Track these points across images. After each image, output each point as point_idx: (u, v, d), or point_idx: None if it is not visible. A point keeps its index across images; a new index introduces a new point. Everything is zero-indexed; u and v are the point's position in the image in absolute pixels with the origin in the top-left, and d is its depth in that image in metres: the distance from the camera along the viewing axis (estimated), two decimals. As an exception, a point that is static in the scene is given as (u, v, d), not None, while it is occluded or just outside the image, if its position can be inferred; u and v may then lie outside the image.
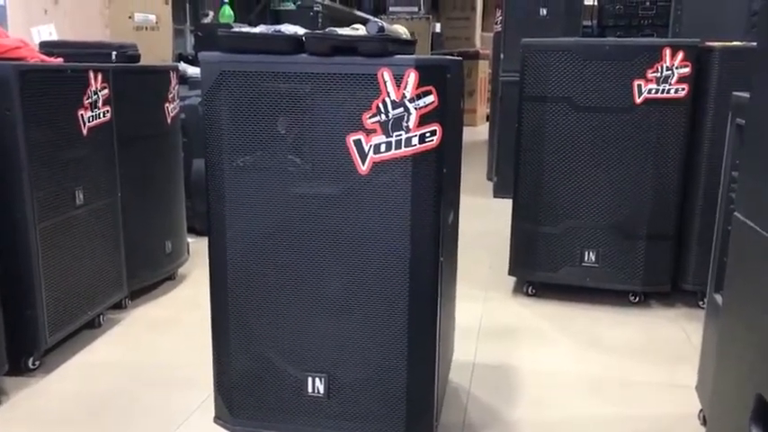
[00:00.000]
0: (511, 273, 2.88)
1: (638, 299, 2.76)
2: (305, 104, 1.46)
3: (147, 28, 3.82)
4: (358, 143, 1.46)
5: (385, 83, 1.41)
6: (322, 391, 1.60)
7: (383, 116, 1.43)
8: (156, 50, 3.80)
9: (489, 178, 5.20)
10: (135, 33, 3.70)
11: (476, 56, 8.87)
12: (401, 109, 1.42)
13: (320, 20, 5.51)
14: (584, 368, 2.25)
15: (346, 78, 1.43)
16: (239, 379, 1.64)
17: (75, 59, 2.40)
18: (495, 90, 4.98)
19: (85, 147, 2.29)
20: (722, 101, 2.46)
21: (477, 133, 7.99)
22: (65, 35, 3.27)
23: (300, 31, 1.49)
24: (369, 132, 1.44)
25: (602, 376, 2.19)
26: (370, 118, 1.44)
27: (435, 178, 1.48)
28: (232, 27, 4.44)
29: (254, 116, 1.49)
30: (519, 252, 2.82)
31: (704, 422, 1.87)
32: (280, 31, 1.48)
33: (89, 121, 2.30)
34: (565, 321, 2.62)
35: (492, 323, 2.61)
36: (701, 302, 2.70)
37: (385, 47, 1.41)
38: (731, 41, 2.58)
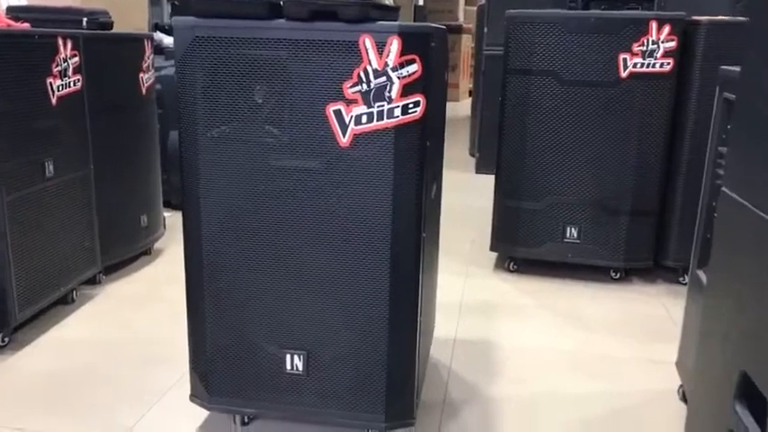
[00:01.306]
0: (493, 248, 2.86)
1: (619, 275, 2.75)
2: (282, 72, 1.40)
3: (120, -5, 3.70)
4: (338, 114, 1.40)
5: (366, 50, 1.35)
6: (301, 368, 1.56)
7: (364, 86, 1.38)
8: (131, 19, 3.69)
9: (472, 154, 5.16)
10: (109, 0, 3.58)
11: (459, 30, 8.77)
12: (383, 78, 1.37)
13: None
14: (565, 344, 2.24)
15: (326, 45, 1.37)
16: (216, 356, 1.59)
17: (44, 25, 2.30)
18: (479, 64, 4.92)
19: (55, 117, 2.21)
20: (708, 75, 2.44)
21: (459, 108, 7.94)
22: (35, 1, 3.15)
23: (278, -5, 1.42)
24: (349, 102, 1.39)
25: (583, 352, 2.19)
26: (350, 87, 1.38)
27: (418, 151, 1.43)
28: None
29: (230, 84, 1.43)
30: (501, 228, 2.79)
31: (684, 398, 1.87)
32: (256, -5, 1.41)
33: (58, 90, 2.22)
34: (546, 297, 2.61)
35: (473, 299, 2.59)
36: (681, 279, 2.70)
37: (367, 12, 1.35)
38: (717, 16, 2.54)
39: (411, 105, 1.39)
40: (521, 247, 2.77)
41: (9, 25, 2.17)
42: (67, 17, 2.51)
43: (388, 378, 1.54)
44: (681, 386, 1.89)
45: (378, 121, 1.39)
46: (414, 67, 1.36)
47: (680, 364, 1.90)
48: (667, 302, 2.57)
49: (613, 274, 2.76)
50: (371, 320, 1.50)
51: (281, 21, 1.39)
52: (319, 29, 1.37)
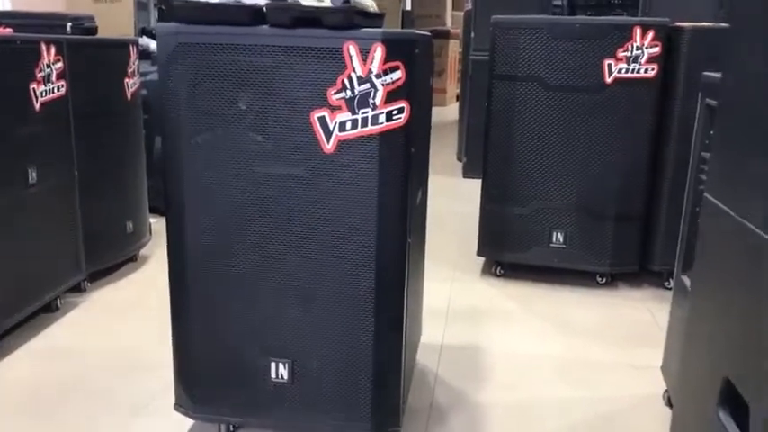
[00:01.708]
0: (479, 253, 2.86)
1: (605, 280, 2.76)
2: (266, 79, 1.39)
3: (107, 0, 3.68)
4: (322, 120, 1.40)
5: (350, 57, 1.35)
6: (286, 376, 1.55)
7: (348, 92, 1.37)
8: (118, 24, 3.66)
9: (459, 159, 5.17)
10: (94, 6, 3.56)
11: (446, 35, 8.79)
12: (367, 85, 1.37)
13: (288, -5, 5.38)
14: (551, 349, 2.24)
15: (309, 52, 1.36)
16: (200, 364, 1.58)
17: (27, 30, 2.28)
18: (466, 69, 4.93)
19: (38, 123, 2.19)
20: (692, 81, 2.45)
21: (446, 113, 7.95)
22: (19, 5, 3.13)
23: (262, 1, 1.42)
24: (333, 109, 1.39)
25: (569, 357, 2.19)
26: (334, 94, 1.38)
27: (403, 158, 1.43)
28: None
29: (213, 91, 1.42)
30: (487, 233, 2.80)
31: (669, 403, 1.87)
32: (240, 2, 1.41)
33: (42, 96, 2.20)
34: (533, 302, 2.62)
35: (460, 304, 2.59)
36: (667, 283, 2.72)
37: (351, 19, 1.35)
38: (701, 22, 2.57)
39: (395, 112, 1.39)
40: (507, 252, 2.78)
41: (-9, 31, 2.16)
42: (52, 22, 2.50)
43: (373, 385, 1.53)
44: (666, 391, 1.90)
45: (362, 127, 1.39)
46: (398, 74, 1.36)
47: (665, 369, 1.90)
48: (653, 307, 2.58)
49: (599, 279, 2.77)
50: (356, 327, 1.50)
51: (265, 27, 1.38)
52: (303, 35, 1.36)
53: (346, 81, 1.37)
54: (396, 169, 1.43)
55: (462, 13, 6.04)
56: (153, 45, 3.74)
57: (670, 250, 2.41)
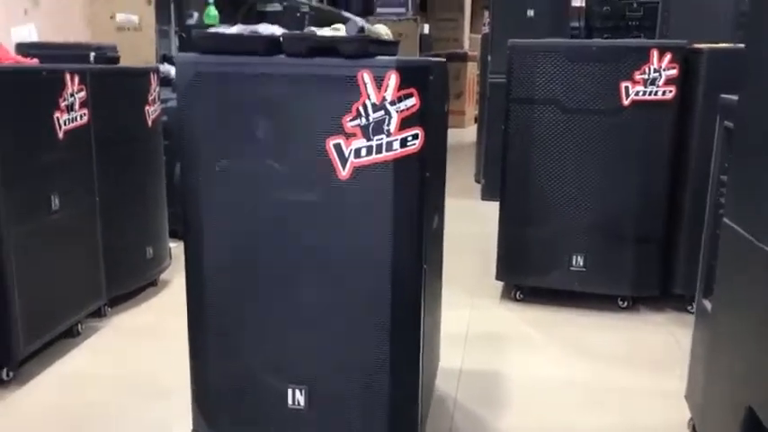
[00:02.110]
0: (498, 277, 2.84)
1: (626, 303, 2.73)
2: (283, 107, 1.41)
3: (129, 29, 3.76)
4: (338, 147, 1.41)
5: (365, 85, 1.37)
6: (303, 403, 1.55)
7: (363, 119, 1.38)
8: (140, 51, 3.74)
9: (477, 180, 5.16)
10: (117, 34, 3.64)
11: (464, 57, 8.84)
12: (382, 112, 1.38)
13: (307, 21, 5.46)
14: (572, 375, 2.21)
15: (325, 80, 1.38)
16: (217, 390, 1.58)
17: (52, 61, 2.34)
18: (483, 92, 4.95)
19: (61, 150, 2.23)
20: (710, 103, 2.42)
21: (465, 135, 7.96)
22: (45, 36, 3.21)
23: (278, 31, 1.44)
24: (349, 136, 1.40)
25: (591, 383, 2.16)
26: (350, 121, 1.39)
27: (418, 183, 1.44)
28: (214, 27, 4.38)
29: (231, 119, 1.44)
30: (506, 256, 2.78)
31: (694, 431, 1.83)
32: (257, 32, 1.43)
33: (65, 124, 2.24)
34: (553, 327, 2.59)
35: (479, 329, 2.57)
36: (689, 307, 2.66)
37: (365, 47, 1.36)
38: (718, 43, 2.55)
39: (410, 138, 1.39)
40: (527, 276, 2.76)
41: (18, 62, 2.21)
42: (76, 52, 2.55)
43: (390, 412, 1.52)
44: (690, 419, 1.86)
45: (377, 154, 1.40)
46: (412, 101, 1.37)
47: (689, 396, 1.86)
48: (676, 331, 2.53)
49: (621, 303, 2.73)
50: (372, 354, 1.49)
51: (282, 56, 1.40)
52: (319, 64, 1.38)
53: (361, 108, 1.38)
54: (410, 195, 1.43)
55: (480, 36, 6.08)
56: (173, 72, 3.81)
57: (692, 273, 2.38)
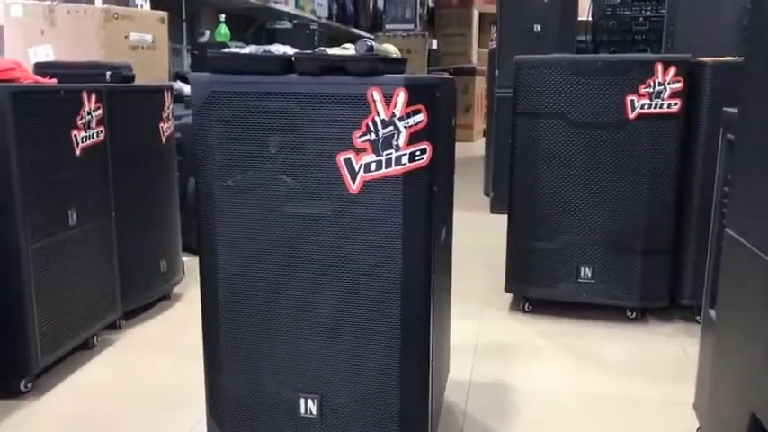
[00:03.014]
0: (507, 289, 2.86)
1: (635, 314, 2.74)
2: (295, 124, 1.46)
3: (143, 47, 3.84)
4: (348, 162, 1.45)
5: (374, 102, 1.41)
6: (315, 412, 1.58)
7: (373, 135, 1.43)
8: (153, 70, 3.81)
9: (486, 194, 5.20)
10: (131, 53, 3.71)
11: (472, 72, 8.91)
12: (391, 128, 1.42)
13: (316, 38, 5.54)
14: (582, 386, 2.23)
15: (336, 98, 1.43)
16: (231, 400, 1.62)
17: (70, 80, 2.40)
18: (491, 106, 5.00)
19: (79, 167, 2.29)
20: (715, 115, 2.46)
21: (474, 149, 8.01)
22: (61, 55, 3.29)
23: (290, 51, 1.49)
24: (359, 151, 1.44)
25: (600, 394, 2.17)
26: (360, 137, 1.43)
27: (426, 197, 1.48)
28: (228, 46, 4.46)
29: (245, 136, 1.49)
30: (515, 268, 2.81)
31: (702, 440, 1.84)
32: (269, 52, 1.48)
33: (82, 142, 2.30)
34: (562, 338, 2.61)
35: (489, 340, 2.59)
36: (698, 317, 2.68)
37: (374, 66, 1.41)
38: (724, 56, 2.58)
39: (418, 153, 1.43)
40: (535, 287, 2.78)
41: (36, 81, 2.28)
42: (92, 71, 2.62)
43: (400, 423, 1.55)
44: (698, 429, 1.87)
45: (386, 168, 1.44)
46: (420, 117, 1.41)
47: (697, 406, 1.88)
48: (684, 342, 2.55)
49: (629, 314, 2.74)
50: (383, 365, 1.52)
51: (293, 76, 1.45)
52: (329, 82, 1.43)
53: (371, 124, 1.42)
54: (419, 208, 1.47)
55: (488, 51, 6.14)
56: (186, 89, 3.88)
57: (700, 284, 2.40)
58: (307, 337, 1.55)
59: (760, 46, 1.22)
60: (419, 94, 1.41)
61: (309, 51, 1.47)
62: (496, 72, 4.58)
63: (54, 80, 2.35)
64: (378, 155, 1.44)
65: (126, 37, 3.64)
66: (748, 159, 1.22)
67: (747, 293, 1.18)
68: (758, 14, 1.22)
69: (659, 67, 2.51)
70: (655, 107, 2.53)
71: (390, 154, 1.43)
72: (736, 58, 2.57)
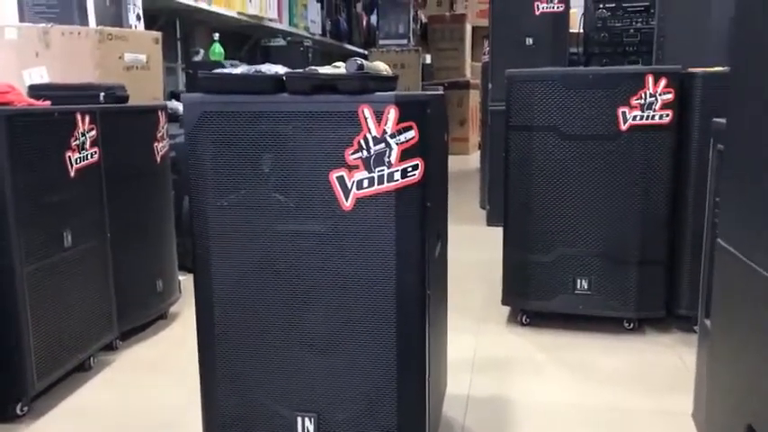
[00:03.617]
0: (504, 302, 2.86)
1: (632, 325, 2.74)
2: (287, 143, 1.47)
3: (137, 67, 3.85)
4: (341, 179, 1.46)
5: (366, 119, 1.42)
6: (312, 430, 1.57)
7: (365, 152, 1.44)
8: (148, 89, 3.82)
9: (482, 206, 5.21)
10: (126, 73, 3.73)
11: (467, 85, 8.96)
12: (382, 145, 1.43)
13: (310, 55, 5.57)
14: (580, 398, 2.22)
15: (327, 116, 1.44)
16: (228, 421, 1.61)
17: (63, 102, 2.41)
18: (485, 119, 5.02)
19: (73, 188, 2.29)
20: (706, 126, 2.47)
21: (469, 162, 8.02)
22: (56, 77, 3.30)
23: (281, 70, 1.50)
24: (351, 168, 1.45)
25: (598, 406, 2.17)
26: (352, 154, 1.44)
27: (419, 212, 1.48)
28: (222, 64, 4.48)
29: (237, 155, 1.50)
30: (511, 281, 2.81)
31: (702, 451, 1.84)
32: (260, 71, 1.49)
33: (76, 163, 2.31)
34: (560, 350, 2.60)
35: (486, 354, 2.58)
36: (695, 327, 2.68)
37: (365, 84, 1.42)
38: (714, 67, 2.61)
39: (410, 169, 1.44)
40: (532, 300, 2.78)
41: (30, 104, 2.29)
42: (86, 93, 2.63)
43: (398, 438, 1.54)
44: (698, 438, 1.87)
45: (379, 185, 1.45)
46: (411, 134, 1.42)
47: (695, 416, 1.88)
48: (682, 352, 2.54)
49: (627, 325, 2.74)
50: (379, 381, 1.52)
51: (285, 95, 1.46)
52: (321, 101, 1.44)
53: (362, 142, 1.43)
54: (412, 223, 1.47)
55: (480, 65, 6.18)
56: (181, 108, 3.90)
57: (696, 294, 2.40)
58: (302, 354, 1.54)
59: (744, 57, 1.23)
60: (410, 110, 1.42)
61: (300, 70, 1.48)
62: (489, 86, 4.61)
63: (48, 102, 2.36)
64: (370, 172, 1.44)
65: (120, 57, 3.65)
66: (737, 169, 1.23)
67: (740, 303, 1.19)
68: (742, 27, 1.24)
69: (650, 79, 2.53)
70: (646, 118, 2.55)
71: (383, 171, 1.44)
72: (726, 68, 2.59)
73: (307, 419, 1.56)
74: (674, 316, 2.73)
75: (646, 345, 2.64)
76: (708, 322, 1.73)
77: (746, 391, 1.14)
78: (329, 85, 1.41)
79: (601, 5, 4.56)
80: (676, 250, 2.68)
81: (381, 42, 8.26)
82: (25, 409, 2.10)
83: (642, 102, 2.54)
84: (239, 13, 5.12)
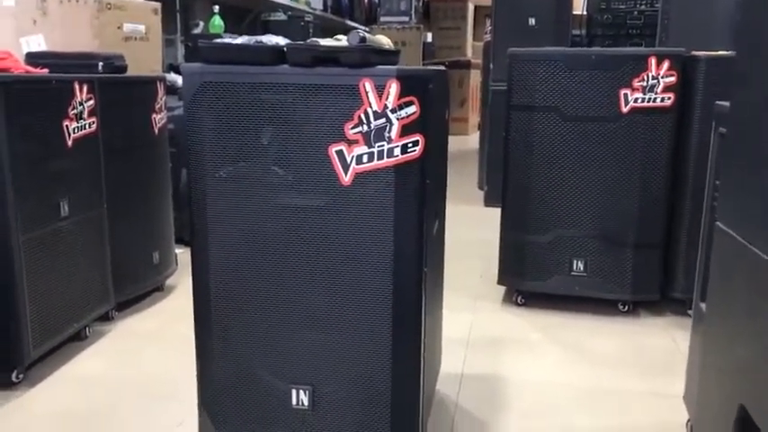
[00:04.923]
0: (500, 282, 2.87)
1: (627, 308, 2.75)
2: (287, 115, 1.45)
3: (136, 38, 3.81)
4: (340, 154, 1.45)
5: (367, 93, 1.40)
6: (306, 403, 1.58)
7: (365, 126, 1.42)
8: (146, 61, 3.79)
9: (480, 187, 5.20)
10: (124, 44, 3.69)
11: (467, 65, 8.90)
12: (383, 119, 1.42)
13: (311, 31, 5.51)
14: (573, 378, 2.24)
15: (328, 89, 1.42)
16: (223, 392, 1.62)
17: (61, 70, 2.39)
18: (485, 99, 4.99)
19: (70, 158, 2.28)
20: (708, 109, 2.46)
21: (469, 142, 8.00)
22: (54, 46, 3.26)
23: (282, 41, 1.49)
24: (351, 143, 1.44)
25: (591, 386, 2.18)
26: (352, 128, 1.43)
27: (418, 189, 1.47)
28: (221, 37, 4.44)
29: (237, 127, 1.48)
30: (508, 261, 2.81)
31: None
32: (261, 42, 1.48)
33: (74, 132, 2.29)
34: (554, 331, 2.62)
35: (481, 333, 2.60)
36: (689, 311, 2.69)
37: (366, 57, 1.40)
38: (717, 50, 2.59)
39: (410, 145, 1.43)
40: (528, 280, 2.79)
41: (28, 71, 2.26)
42: (84, 62, 2.60)
43: (392, 414, 1.55)
44: (688, 420, 1.88)
45: (378, 160, 1.44)
46: (412, 109, 1.41)
47: (687, 398, 1.89)
48: (676, 335, 2.56)
49: (621, 307, 2.76)
50: (375, 356, 1.53)
51: (285, 66, 1.44)
52: (322, 73, 1.42)
53: (363, 116, 1.42)
54: (411, 200, 1.47)
55: (482, 44, 6.13)
56: (179, 80, 3.87)
57: (691, 277, 2.41)
58: (298, 328, 1.55)
59: (749, 40, 1.22)
60: (411, 85, 1.41)
61: (301, 42, 1.46)
62: (491, 65, 4.58)
63: (46, 70, 2.34)
64: (370, 147, 1.43)
65: (119, 27, 3.61)
66: (739, 153, 1.22)
67: (737, 286, 1.19)
68: (748, 11, 1.22)
69: (653, 61, 2.52)
70: (648, 101, 2.54)
71: (382, 146, 1.43)
72: (730, 52, 2.57)
73: (302, 392, 1.57)
74: (668, 299, 2.74)
75: (640, 327, 2.66)
76: (703, 306, 1.74)
77: (740, 373, 1.15)
78: (330, 58, 1.40)
79: (605, -14, 4.52)
80: (673, 234, 2.68)
81: (383, 19, 8.19)
82: (21, 376, 2.11)
83: (644, 84, 2.53)
84: (240, -14, 5.05)
